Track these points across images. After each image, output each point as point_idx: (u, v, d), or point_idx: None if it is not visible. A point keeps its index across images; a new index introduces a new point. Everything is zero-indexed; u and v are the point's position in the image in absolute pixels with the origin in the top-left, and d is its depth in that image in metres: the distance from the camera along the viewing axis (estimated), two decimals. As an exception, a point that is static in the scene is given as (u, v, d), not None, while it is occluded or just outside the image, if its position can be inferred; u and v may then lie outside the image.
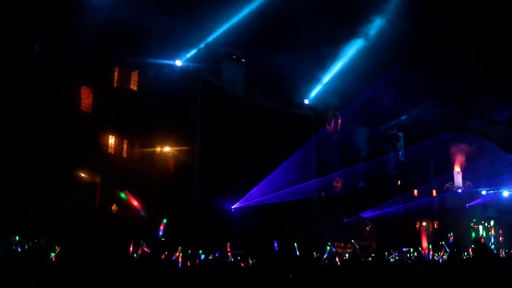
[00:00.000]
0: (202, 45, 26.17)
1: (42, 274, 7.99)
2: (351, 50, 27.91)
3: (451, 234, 26.32)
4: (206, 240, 19.69)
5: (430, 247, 19.51)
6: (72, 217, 17.34)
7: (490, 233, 29.37)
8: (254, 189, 28.37)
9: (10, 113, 17.56)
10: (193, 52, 25.85)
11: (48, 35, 19.86)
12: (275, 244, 16.49)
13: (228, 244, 16.93)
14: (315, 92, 31.63)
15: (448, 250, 20.01)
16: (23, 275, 7.79)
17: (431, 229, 31.51)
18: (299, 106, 31.92)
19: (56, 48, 19.90)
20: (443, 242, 21.59)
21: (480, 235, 28.78)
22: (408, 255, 21.22)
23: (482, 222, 30.25)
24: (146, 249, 15.30)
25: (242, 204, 27.97)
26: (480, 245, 11.34)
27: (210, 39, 26.52)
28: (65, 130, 19.13)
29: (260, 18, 26.18)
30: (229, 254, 15.80)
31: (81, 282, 7.57)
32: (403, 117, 31.92)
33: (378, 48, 27.78)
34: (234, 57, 28.90)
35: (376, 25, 27.57)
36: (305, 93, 31.93)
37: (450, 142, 29.85)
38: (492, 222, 29.58)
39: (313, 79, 30.34)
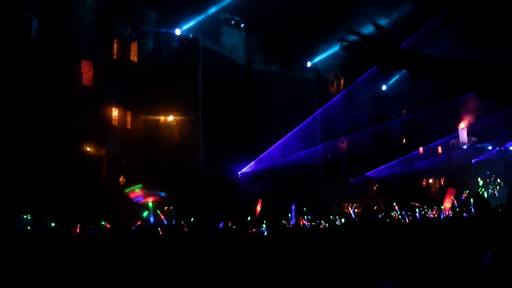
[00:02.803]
0: (201, 12, 25.84)
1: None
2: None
3: (466, 191, 26.12)
4: (215, 207, 20.01)
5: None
6: (80, 192, 17.63)
7: (496, 188, 29.38)
8: (260, 155, 28.55)
9: (11, 92, 17.63)
10: (192, 20, 25.56)
11: (45, 10, 19.75)
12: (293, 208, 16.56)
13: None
14: (317, 55, 31.28)
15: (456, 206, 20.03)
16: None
17: (437, 186, 31.70)
18: (301, 69, 31.69)
19: (53, 24, 19.81)
20: (453, 198, 21.55)
21: (483, 190, 28.79)
22: (422, 211, 20.77)
23: (488, 178, 30.25)
24: (162, 217, 15.65)
25: (248, 170, 28.19)
26: (479, 199, 11.39)
27: (209, 5, 26.15)
28: (68, 105, 19.23)
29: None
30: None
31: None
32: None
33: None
34: (233, 22, 28.55)
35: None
36: (307, 56, 31.61)
37: (453, 99, 29.57)
38: (498, 179, 29.54)
39: (314, 41, 29.94)
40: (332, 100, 31.52)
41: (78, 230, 12.26)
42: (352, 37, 2.17)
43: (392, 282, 4.10)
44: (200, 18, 25.65)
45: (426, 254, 7.26)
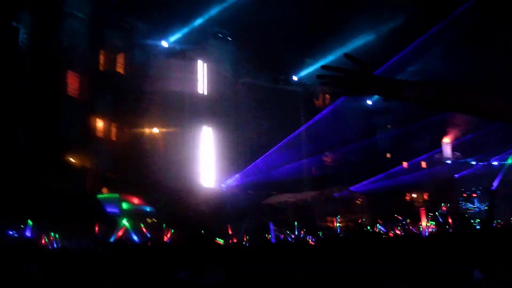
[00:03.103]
0: (188, 25, 25.95)
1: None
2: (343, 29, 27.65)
3: (443, 204, 26.44)
4: (200, 220, 19.95)
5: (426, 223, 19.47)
6: (63, 203, 17.46)
7: (480, 204, 29.61)
8: (246, 167, 28.62)
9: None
10: (179, 32, 25.66)
11: (32, 20, 19.72)
12: (271, 228, 16.19)
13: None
14: (304, 69, 31.52)
15: (441, 221, 20.15)
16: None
17: (421, 200, 31.83)
18: (288, 83, 31.90)
19: (41, 33, 19.78)
20: (437, 213, 21.71)
21: (466, 208, 29.06)
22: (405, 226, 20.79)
23: (472, 193, 30.50)
24: (145, 231, 15.48)
25: (233, 182, 28.22)
26: (460, 217, 11.48)
27: (196, 18, 26.27)
28: (53, 116, 19.15)
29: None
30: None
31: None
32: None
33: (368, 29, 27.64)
34: (221, 36, 28.69)
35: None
36: (294, 70, 31.85)
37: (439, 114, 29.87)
38: (481, 193, 29.77)
39: (302, 56, 30.20)
40: (318, 116, 31.68)
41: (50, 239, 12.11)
42: (329, 71, 2.24)
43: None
44: (187, 30, 25.74)
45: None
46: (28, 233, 13.20)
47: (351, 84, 2.22)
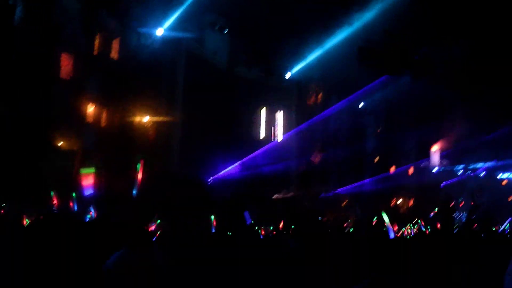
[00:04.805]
0: (185, 13, 25.76)
1: None
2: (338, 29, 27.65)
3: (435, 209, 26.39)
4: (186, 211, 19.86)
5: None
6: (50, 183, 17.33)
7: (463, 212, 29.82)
8: (236, 161, 28.61)
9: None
10: (176, 19, 25.46)
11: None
12: (246, 216, 16.00)
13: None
14: (298, 66, 31.50)
15: (422, 227, 20.28)
16: None
17: (406, 206, 32.06)
18: (282, 79, 31.91)
19: (37, 11, 19.61)
20: (418, 220, 21.80)
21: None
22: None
23: (458, 200, 30.72)
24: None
25: (223, 175, 28.20)
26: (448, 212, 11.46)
27: (193, 6, 26.07)
28: (43, 97, 18.99)
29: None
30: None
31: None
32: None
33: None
34: (218, 25, 28.60)
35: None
36: (289, 67, 31.82)
37: (430, 121, 30.07)
38: (466, 201, 29.99)
39: (296, 53, 30.17)
40: (311, 120, 31.70)
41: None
42: None
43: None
44: (184, 18, 25.54)
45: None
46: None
47: None
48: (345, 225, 20.40)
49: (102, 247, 6.53)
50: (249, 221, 14.19)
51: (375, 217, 15.52)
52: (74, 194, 14.47)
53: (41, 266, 6.97)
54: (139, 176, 20.34)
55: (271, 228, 17.83)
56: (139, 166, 16.89)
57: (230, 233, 11.63)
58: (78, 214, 13.63)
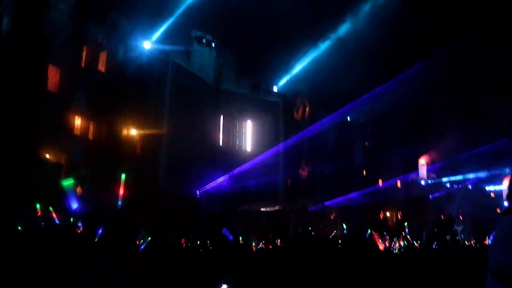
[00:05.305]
0: (172, 27, 25.88)
1: None
2: (324, 42, 27.91)
3: (406, 224, 26.52)
4: (171, 225, 19.72)
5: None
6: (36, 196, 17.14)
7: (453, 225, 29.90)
8: (222, 174, 28.50)
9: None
10: (163, 34, 25.56)
11: (17, 7, 19.46)
12: (224, 232, 15.66)
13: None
14: (284, 80, 31.69)
15: (408, 241, 20.29)
16: None
17: (394, 219, 32.14)
18: (268, 93, 32.00)
19: (25, 22, 19.50)
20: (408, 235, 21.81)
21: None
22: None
23: (445, 214, 30.81)
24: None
25: (209, 189, 28.07)
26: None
27: (181, 20, 26.21)
28: (30, 108, 18.82)
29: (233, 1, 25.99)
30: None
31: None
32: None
33: (350, 42, 27.86)
34: (205, 41, 28.69)
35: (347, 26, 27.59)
36: (275, 81, 32.01)
37: (417, 135, 30.28)
38: (453, 214, 30.10)
39: (283, 67, 30.38)
40: (298, 134, 31.73)
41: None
42: None
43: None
44: (171, 33, 25.65)
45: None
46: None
47: None
48: (332, 235, 20.42)
49: (85, 257, 6.45)
50: (230, 237, 14.11)
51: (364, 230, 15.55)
52: (59, 207, 14.35)
53: (26, 276, 6.88)
54: (123, 189, 20.31)
55: (263, 241, 17.81)
56: (123, 179, 16.84)
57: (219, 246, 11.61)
58: (63, 226, 13.52)
